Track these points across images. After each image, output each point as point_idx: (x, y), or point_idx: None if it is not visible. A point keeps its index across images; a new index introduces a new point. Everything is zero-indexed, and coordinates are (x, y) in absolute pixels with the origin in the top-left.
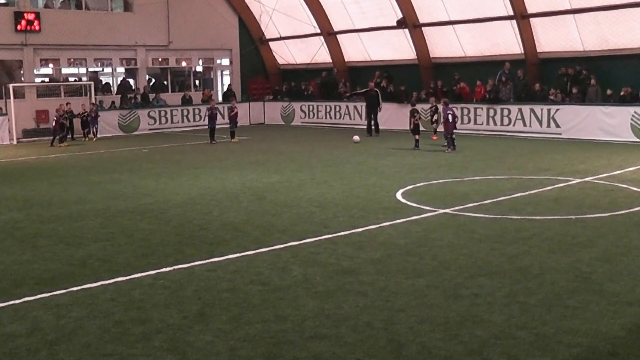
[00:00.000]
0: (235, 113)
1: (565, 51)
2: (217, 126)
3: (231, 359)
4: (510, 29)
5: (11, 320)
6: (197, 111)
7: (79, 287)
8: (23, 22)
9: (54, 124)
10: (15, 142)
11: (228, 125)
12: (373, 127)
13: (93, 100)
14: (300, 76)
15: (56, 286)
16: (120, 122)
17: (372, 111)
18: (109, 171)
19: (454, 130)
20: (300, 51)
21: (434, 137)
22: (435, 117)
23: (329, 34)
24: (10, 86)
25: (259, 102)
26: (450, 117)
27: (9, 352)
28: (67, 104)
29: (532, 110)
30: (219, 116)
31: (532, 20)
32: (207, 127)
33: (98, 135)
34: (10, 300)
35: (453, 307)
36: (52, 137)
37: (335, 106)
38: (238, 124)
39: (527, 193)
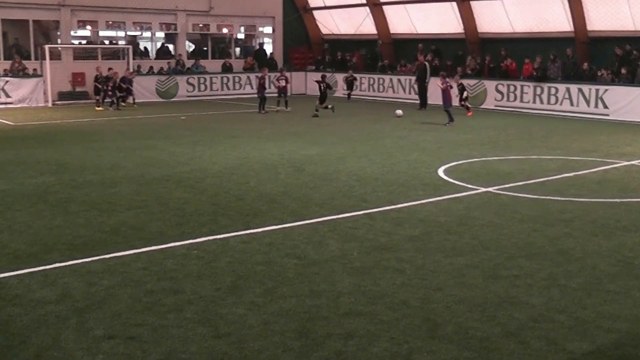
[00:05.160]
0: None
1: (615, 30)
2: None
3: (264, 333)
4: (560, 5)
5: (41, 285)
6: (237, 79)
7: (110, 255)
8: None
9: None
10: (50, 104)
11: (277, 95)
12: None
13: (131, 64)
14: (344, 47)
15: (87, 253)
16: (158, 87)
17: (420, 85)
18: (145, 137)
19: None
20: (345, 21)
21: (469, 114)
22: (465, 94)
23: (375, 5)
24: (46, 47)
25: (300, 72)
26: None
27: (38, 319)
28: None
29: (580, 90)
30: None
31: None
32: (257, 96)
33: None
34: (41, 265)
35: (491, 288)
36: (116, 100)
37: (378, 79)
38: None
39: (571, 174)
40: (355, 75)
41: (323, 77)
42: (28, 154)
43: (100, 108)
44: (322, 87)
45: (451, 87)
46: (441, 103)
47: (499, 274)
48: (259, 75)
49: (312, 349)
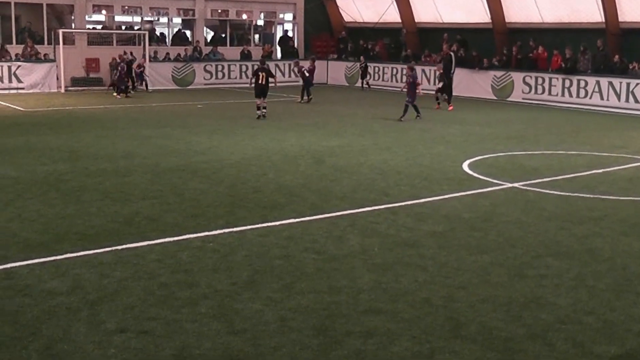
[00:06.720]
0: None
1: None
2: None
3: (280, 330)
4: None
5: (52, 276)
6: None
7: (123, 246)
8: None
9: (120, 73)
10: (63, 90)
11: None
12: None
13: (147, 51)
14: (367, 35)
15: (100, 243)
16: (175, 75)
17: (445, 75)
18: (161, 126)
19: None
20: (368, 9)
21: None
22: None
23: None
24: (60, 31)
25: (322, 61)
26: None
27: (48, 310)
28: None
29: (610, 84)
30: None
31: None
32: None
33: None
34: (52, 255)
35: (517, 287)
36: (116, 87)
37: (402, 69)
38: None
39: (600, 171)
40: (368, 63)
41: (262, 62)
42: (39, 141)
43: (115, 94)
44: (261, 79)
45: (418, 84)
46: (467, 95)
47: (525, 273)
48: (303, 64)
49: (331, 347)
